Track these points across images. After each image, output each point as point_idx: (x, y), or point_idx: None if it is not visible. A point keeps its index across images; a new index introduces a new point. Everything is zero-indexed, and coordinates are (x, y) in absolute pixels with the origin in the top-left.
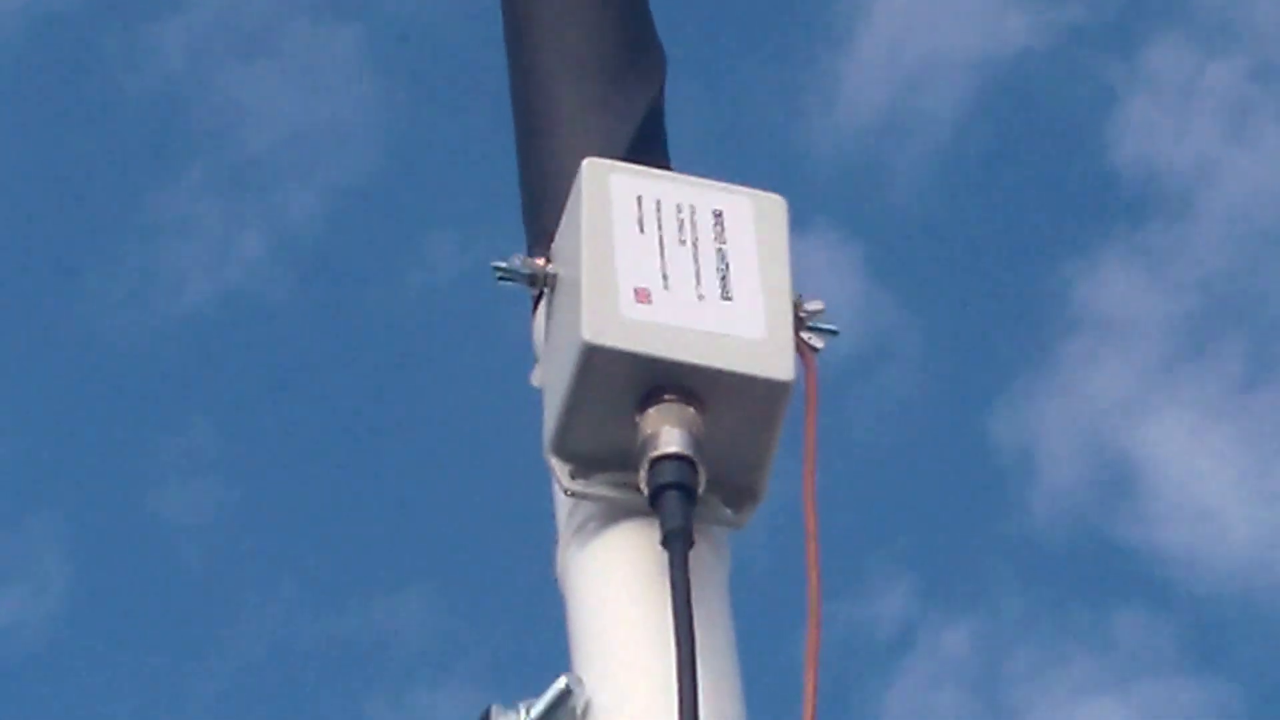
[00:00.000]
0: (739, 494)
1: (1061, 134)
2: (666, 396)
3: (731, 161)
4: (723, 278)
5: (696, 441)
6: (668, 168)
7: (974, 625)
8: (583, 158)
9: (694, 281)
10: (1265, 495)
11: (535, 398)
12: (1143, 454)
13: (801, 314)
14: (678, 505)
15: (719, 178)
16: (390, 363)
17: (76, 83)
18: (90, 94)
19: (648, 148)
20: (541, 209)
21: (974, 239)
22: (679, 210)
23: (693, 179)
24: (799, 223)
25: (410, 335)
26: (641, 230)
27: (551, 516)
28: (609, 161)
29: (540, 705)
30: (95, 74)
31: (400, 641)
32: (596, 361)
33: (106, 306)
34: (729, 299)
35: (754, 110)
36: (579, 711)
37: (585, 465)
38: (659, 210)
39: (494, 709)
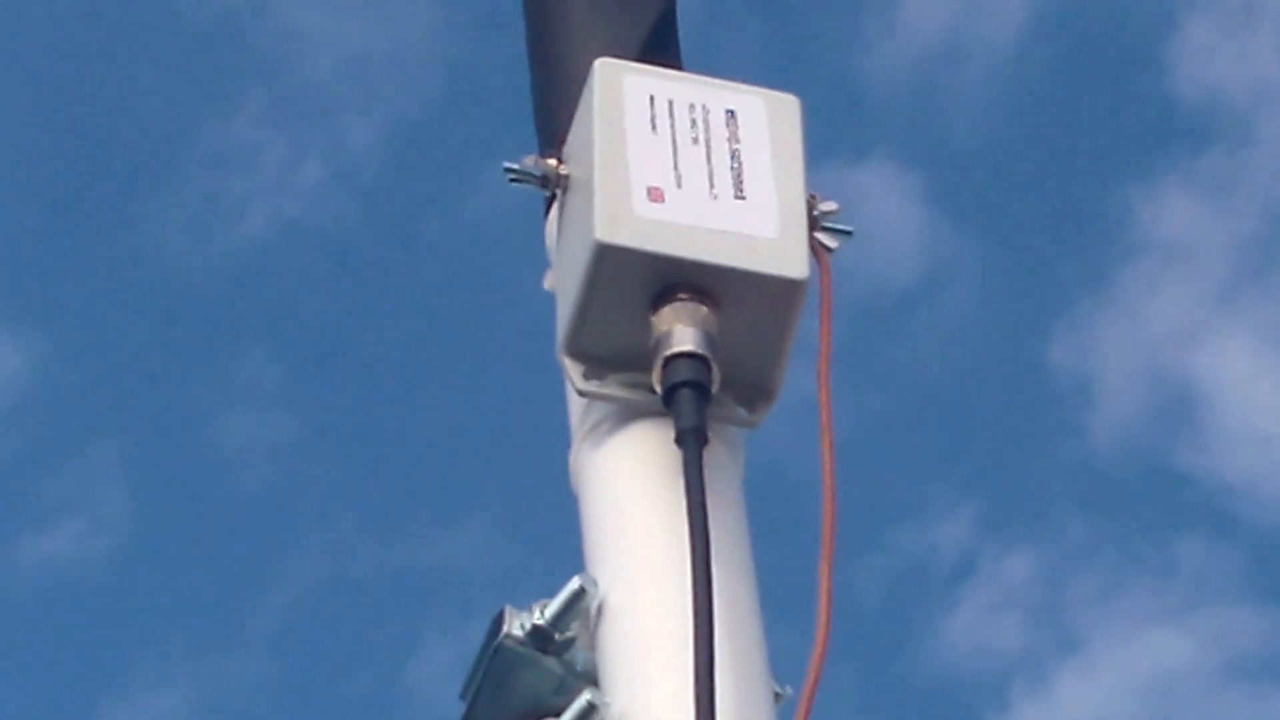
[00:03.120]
0: (753, 393)
1: (1120, 58)
2: (680, 295)
3: (789, 89)
4: (736, 176)
5: (710, 340)
6: (679, 69)
7: (1035, 552)
8: (595, 58)
9: (707, 180)
10: None
11: None
12: (1203, 380)
13: (815, 213)
14: (692, 404)
15: None
16: (449, 291)
17: (137, 10)
18: (151, 22)
19: (660, 48)
20: (554, 110)
21: (1033, 165)
22: (691, 110)
23: (705, 79)
24: (858, 151)
25: (469, 263)
26: (654, 130)
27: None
28: (621, 62)
29: (554, 605)
30: (156, 1)
31: (460, 570)
32: (609, 260)
33: (166, 235)
34: (742, 198)
35: (812, 37)
36: (593, 611)
37: (599, 366)
38: (671, 110)
39: (508, 610)
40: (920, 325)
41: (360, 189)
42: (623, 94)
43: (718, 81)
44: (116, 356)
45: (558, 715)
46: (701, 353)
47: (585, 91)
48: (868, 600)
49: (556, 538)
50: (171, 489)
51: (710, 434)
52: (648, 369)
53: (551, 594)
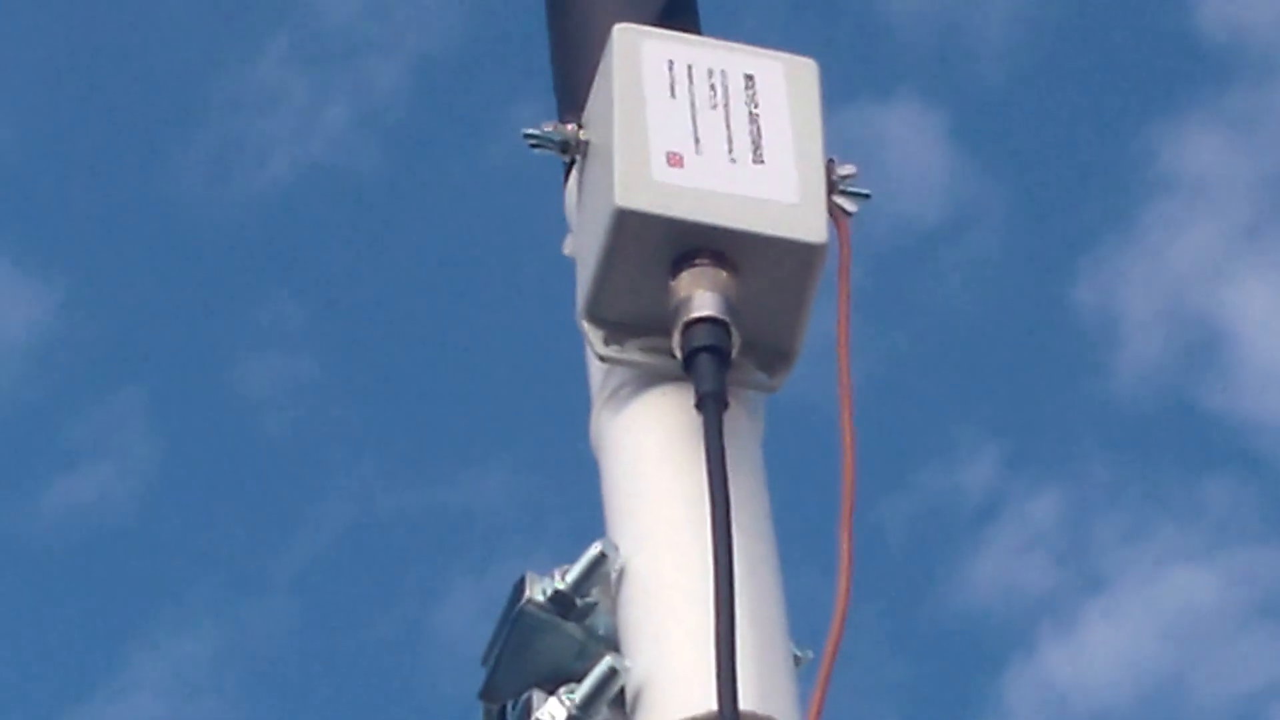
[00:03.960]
0: (773, 357)
1: None
2: (699, 260)
3: (812, 32)
4: (755, 141)
5: (730, 305)
6: (698, 33)
7: (1060, 493)
8: (614, 24)
9: (726, 145)
10: None
11: None
12: (1228, 318)
13: (834, 177)
14: (711, 368)
15: (801, 50)
16: (474, 235)
17: None
18: None
19: (679, 13)
20: (573, 76)
21: (1057, 103)
22: (710, 74)
23: (724, 43)
24: (882, 90)
25: (495, 205)
26: (673, 95)
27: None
28: (640, 27)
29: (575, 571)
30: None
31: (486, 514)
32: (629, 226)
33: (190, 180)
34: (761, 162)
35: None
36: (614, 576)
37: (618, 331)
38: (690, 75)
39: (529, 576)
40: (944, 265)
41: (384, 132)
42: (641, 59)
43: (736, 46)
44: (140, 300)
45: (579, 680)
46: (721, 317)
47: (604, 57)
48: (893, 541)
49: (582, 483)
50: (196, 433)
51: (730, 398)
52: (667, 334)
53: (573, 557)
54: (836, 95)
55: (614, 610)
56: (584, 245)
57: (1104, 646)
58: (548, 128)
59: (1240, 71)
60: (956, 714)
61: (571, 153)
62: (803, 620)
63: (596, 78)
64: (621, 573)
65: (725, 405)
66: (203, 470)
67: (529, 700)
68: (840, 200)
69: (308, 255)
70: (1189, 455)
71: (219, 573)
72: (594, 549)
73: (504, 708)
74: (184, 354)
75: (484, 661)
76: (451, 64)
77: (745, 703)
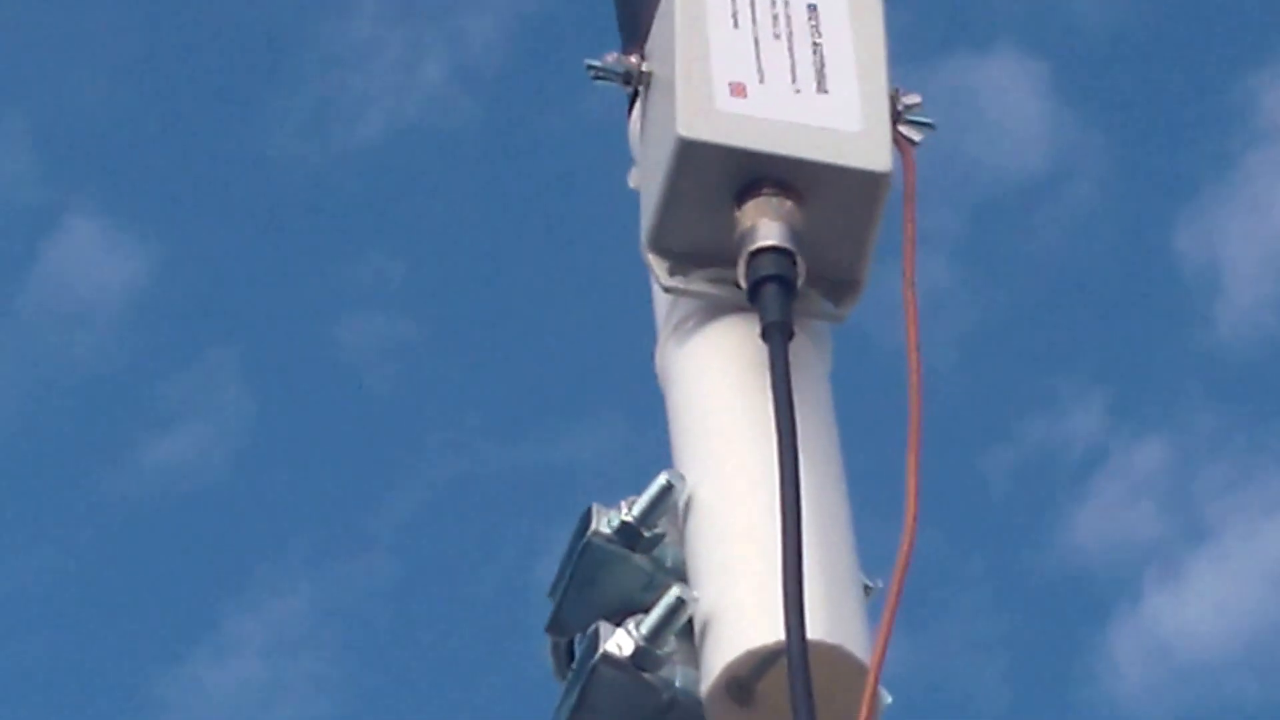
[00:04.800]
0: (839, 287)
1: None
2: (764, 190)
3: None
4: (818, 70)
5: (795, 234)
6: None
7: (1164, 442)
8: None
9: (789, 75)
10: None
11: None
12: None
13: (899, 107)
14: (777, 298)
15: (899, 3)
16: (573, 189)
17: None
18: None
19: None
20: (635, 7)
21: (1158, 52)
22: (773, 4)
23: None
24: (983, 41)
25: (592, 161)
26: (735, 25)
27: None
28: None
29: (642, 502)
30: None
31: (587, 468)
32: (692, 156)
33: (286, 138)
34: (825, 92)
35: None
36: (681, 507)
37: (683, 261)
38: (753, 4)
39: (595, 508)
40: (1046, 215)
41: (480, 87)
42: None
43: None
44: (236, 259)
45: (646, 612)
46: (786, 247)
47: None
48: (998, 492)
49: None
50: (293, 391)
51: (796, 328)
52: (732, 264)
53: (641, 490)
54: (937, 47)
55: (681, 541)
56: (648, 176)
57: (1210, 596)
58: (610, 59)
59: None
60: (1062, 664)
61: (634, 84)
62: (873, 550)
63: (659, 9)
64: (689, 503)
65: (791, 335)
66: (300, 429)
67: (596, 632)
68: (905, 129)
69: (405, 212)
70: None
71: (317, 531)
72: (660, 480)
73: (571, 640)
74: (281, 312)
75: (550, 594)
76: (546, 17)
77: (813, 632)
